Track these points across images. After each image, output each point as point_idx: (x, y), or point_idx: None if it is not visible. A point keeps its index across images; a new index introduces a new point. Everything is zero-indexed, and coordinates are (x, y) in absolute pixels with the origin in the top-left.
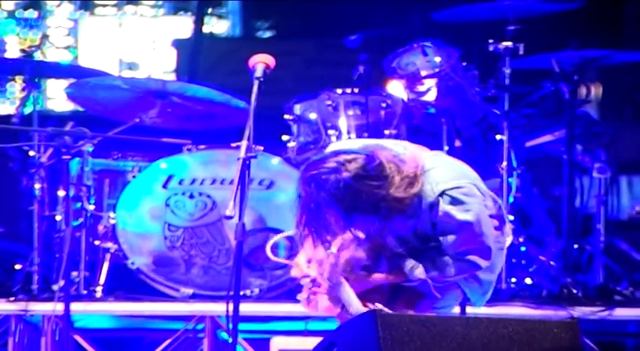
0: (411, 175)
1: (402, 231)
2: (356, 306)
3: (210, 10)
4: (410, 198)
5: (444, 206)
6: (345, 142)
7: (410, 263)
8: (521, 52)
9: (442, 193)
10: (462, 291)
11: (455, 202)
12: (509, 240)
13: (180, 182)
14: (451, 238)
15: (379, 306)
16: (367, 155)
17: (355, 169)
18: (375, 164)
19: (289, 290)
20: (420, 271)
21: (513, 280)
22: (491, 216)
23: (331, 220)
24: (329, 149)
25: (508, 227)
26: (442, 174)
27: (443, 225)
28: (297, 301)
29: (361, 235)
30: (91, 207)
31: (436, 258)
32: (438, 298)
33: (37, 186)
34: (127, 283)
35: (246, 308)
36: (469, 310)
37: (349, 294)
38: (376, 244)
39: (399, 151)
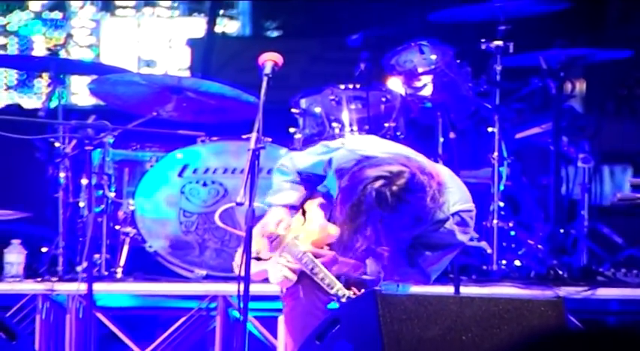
0: (436, 189)
1: (404, 234)
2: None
3: (221, 12)
4: (433, 210)
5: (452, 224)
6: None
7: (372, 265)
8: (511, 50)
9: (456, 213)
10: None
11: (462, 223)
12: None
13: (195, 171)
14: (430, 253)
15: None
16: (411, 171)
17: (403, 184)
18: (417, 179)
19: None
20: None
21: (504, 262)
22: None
23: (364, 221)
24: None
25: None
26: (458, 195)
27: (438, 238)
28: None
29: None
30: (112, 194)
31: (404, 263)
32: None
33: (62, 175)
34: (145, 264)
35: (255, 288)
36: (463, 290)
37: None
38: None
39: (423, 161)
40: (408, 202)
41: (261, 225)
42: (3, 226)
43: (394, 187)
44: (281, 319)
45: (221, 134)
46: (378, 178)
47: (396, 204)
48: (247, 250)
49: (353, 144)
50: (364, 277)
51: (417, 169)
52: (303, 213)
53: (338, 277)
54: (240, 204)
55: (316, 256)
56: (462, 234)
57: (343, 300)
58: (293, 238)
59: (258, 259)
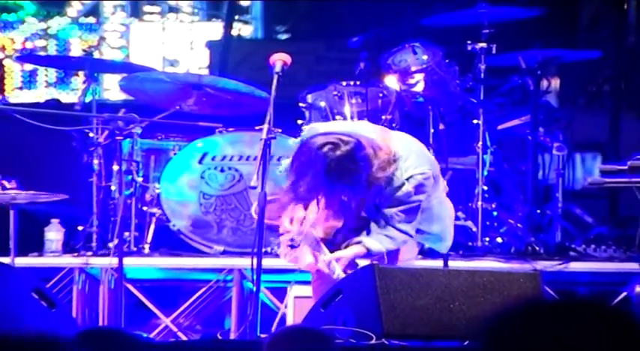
0: (385, 160)
1: (367, 202)
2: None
3: (237, 17)
4: (383, 178)
5: (409, 187)
6: (333, 122)
7: (367, 241)
8: (493, 51)
9: (410, 177)
10: (418, 243)
11: (417, 185)
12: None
13: (213, 158)
14: (395, 210)
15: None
16: (357, 140)
17: (347, 151)
18: (362, 148)
19: None
20: (377, 247)
21: (487, 239)
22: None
23: (317, 186)
24: (323, 128)
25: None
26: (412, 162)
27: (399, 201)
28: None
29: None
30: (140, 179)
31: (385, 227)
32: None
33: (96, 162)
34: (169, 241)
35: (267, 262)
36: (451, 263)
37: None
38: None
39: (374, 137)
40: (350, 169)
41: (288, 218)
42: (43, 208)
43: (338, 152)
44: (289, 288)
45: (236, 125)
46: (325, 144)
47: (339, 168)
48: (260, 227)
49: (321, 125)
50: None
51: (366, 142)
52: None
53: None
54: (253, 187)
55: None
56: (418, 194)
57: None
58: (310, 229)
59: (292, 246)
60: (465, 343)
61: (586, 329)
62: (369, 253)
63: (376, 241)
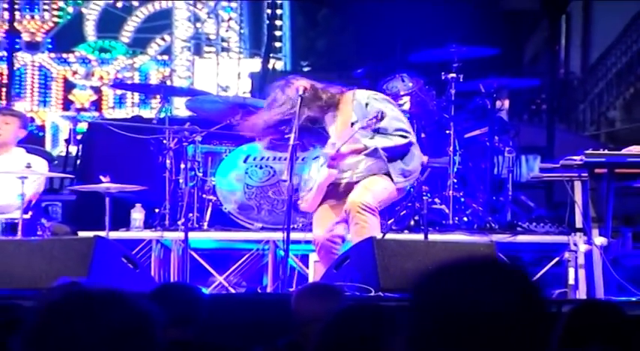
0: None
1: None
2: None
3: (272, 55)
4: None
5: (376, 104)
6: None
7: (366, 141)
8: (461, 79)
9: (369, 97)
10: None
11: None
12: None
13: (254, 159)
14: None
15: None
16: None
17: (324, 89)
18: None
19: None
20: (371, 143)
21: (456, 218)
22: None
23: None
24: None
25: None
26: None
27: (379, 114)
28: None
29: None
30: (200, 174)
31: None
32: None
33: (168, 161)
34: (221, 220)
35: (294, 236)
36: (430, 237)
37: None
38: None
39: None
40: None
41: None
42: (130, 195)
43: (317, 87)
44: (311, 255)
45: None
46: (305, 87)
47: (316, 101)
48: (288, 210)
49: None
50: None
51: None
52: None
53: None
54: (284, 180)
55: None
56: (383, 103)
57: None
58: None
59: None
60: None
61: (491, 283)
62: (366, 149)
63: (373, 141)
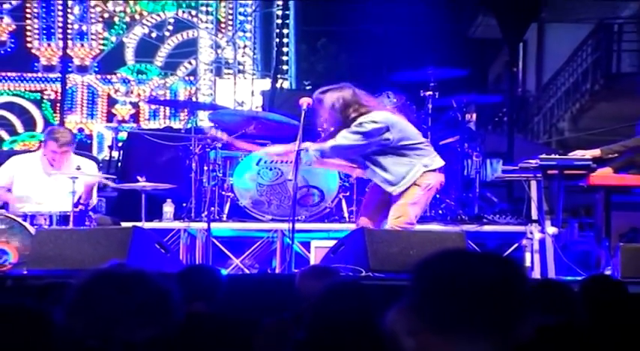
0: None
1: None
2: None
3: (279, 76)
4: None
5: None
6: None
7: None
8: (437, 96)
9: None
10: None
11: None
12: None
13: (265, 162)
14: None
15: None
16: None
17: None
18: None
19: (319, 217)
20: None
21: (433, 211)
22: None
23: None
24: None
25: None
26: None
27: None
28: (323, 222)
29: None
30: (220, 175)
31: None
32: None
33: (193, 164)
34: (238, 213)
35: (298, 226)
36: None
37: None
38: None
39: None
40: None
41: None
42: (162, 192)
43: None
44: (313, 242)
45: (279, 142)
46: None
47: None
48: (293, 205)
49: None
50: None
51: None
52: None
53: None
54: (290, 180)
55: None
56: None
57: None
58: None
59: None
60: None
61: (484, 260)
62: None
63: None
